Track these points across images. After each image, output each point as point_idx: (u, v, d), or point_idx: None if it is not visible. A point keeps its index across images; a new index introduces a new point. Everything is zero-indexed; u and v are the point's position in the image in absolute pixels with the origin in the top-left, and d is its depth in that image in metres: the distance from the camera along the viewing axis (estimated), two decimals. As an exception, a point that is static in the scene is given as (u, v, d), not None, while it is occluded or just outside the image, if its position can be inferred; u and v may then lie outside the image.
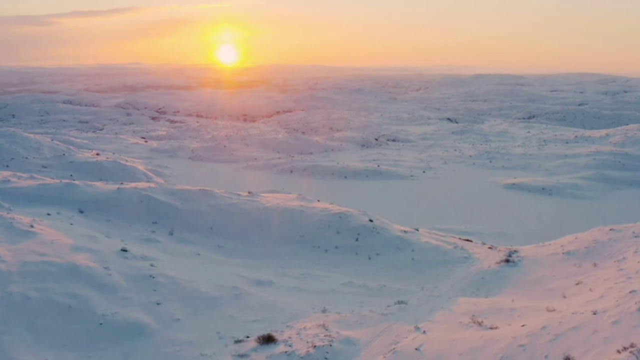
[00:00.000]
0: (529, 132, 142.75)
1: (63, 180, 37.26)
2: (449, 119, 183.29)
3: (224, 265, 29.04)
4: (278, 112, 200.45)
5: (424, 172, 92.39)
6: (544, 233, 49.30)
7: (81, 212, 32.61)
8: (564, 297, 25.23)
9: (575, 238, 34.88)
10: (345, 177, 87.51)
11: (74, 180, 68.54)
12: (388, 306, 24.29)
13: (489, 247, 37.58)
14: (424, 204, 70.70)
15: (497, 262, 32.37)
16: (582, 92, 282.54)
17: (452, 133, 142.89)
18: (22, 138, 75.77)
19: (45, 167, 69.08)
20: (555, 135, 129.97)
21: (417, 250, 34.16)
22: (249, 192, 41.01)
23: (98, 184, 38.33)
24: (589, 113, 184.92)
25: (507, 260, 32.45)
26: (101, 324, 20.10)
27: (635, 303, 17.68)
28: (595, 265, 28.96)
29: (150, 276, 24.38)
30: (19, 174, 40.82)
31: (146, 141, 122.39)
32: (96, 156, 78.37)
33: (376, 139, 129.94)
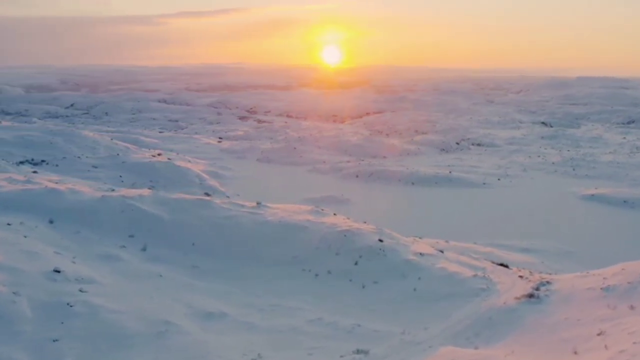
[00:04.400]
0: (624, 137, 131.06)
1: (48, 186, 34.78)
2: (543, 122, 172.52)
3: (182, 291, 25.33)
4: (368, 113, 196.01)
5: (499, 179, 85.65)
6: (614, 253, 42.65)
7: (51, 222, 29.91)
8: (575, 353, 19.81)
9: (622, 269, 28.58)
10: (413, 183, 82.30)
11: (122, 181, 67.92)
12: (341, 357, 19.83)
13: (520, 276, 31.93)
14: (488, 216, 64.70)
15: (516, 298, 26.85)
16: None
17: (542, 138, 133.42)
18: (79, 137, 75.65)
19: (95, 167, 68.36)
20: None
21: (425, 278, 29.12)
22: (257, 203, 37.24)
23: (85, 189, 35.59)
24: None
25: (530, 295, 26.91)
26: (-38, 367, 16.90)
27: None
28: (632, 308, 23.08)
29: (68, 304, 21.01)
30: (14, 176, 38.88)
31: (220, 141, 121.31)
32: (152, 157, 77.15)
33: (457, 143, 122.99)
